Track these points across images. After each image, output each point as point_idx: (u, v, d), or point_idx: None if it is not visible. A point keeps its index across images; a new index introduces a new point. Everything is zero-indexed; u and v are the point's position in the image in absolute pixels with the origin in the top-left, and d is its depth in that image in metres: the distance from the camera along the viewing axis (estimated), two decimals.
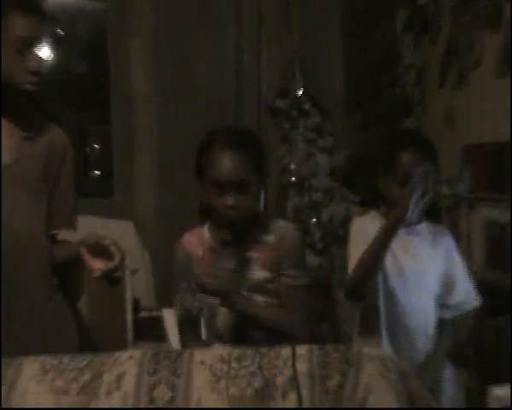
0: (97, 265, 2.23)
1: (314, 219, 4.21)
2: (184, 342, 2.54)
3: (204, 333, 2.47)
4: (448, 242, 2.78)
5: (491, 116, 3.61)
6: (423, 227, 2.78)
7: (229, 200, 2.38)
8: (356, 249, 2.88)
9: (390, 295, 2.77)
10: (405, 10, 4.52)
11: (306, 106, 4.38)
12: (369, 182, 4.53)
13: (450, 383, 2.78)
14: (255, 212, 2.52)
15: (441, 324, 2.75)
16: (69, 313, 2.52)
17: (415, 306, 2.72)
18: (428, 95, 4.40)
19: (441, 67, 4.18)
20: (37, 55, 2.35)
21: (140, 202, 4.37)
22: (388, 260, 2.78)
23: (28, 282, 2.34)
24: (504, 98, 3.52)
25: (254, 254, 2.47)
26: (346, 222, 4.19)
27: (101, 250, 2.24)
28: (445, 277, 2.74)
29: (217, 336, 2.49)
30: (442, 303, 2.75)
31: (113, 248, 2.22)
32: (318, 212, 4.22)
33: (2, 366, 1.93)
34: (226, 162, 2.39)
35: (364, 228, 2.87)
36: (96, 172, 5.81)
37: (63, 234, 2.47)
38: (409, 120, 4.53)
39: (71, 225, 2.51)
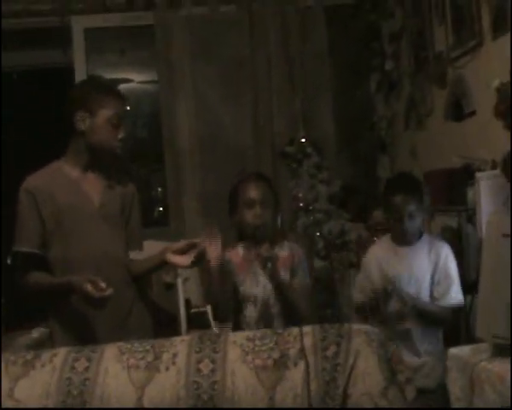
0: (183, 259, 2.31)
1: (318, 233, 4.21)
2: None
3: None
4: (442, 252, 2.74)
5: (443, 149, 3.61)
6: (421, 242, 2.78)
7: (257, 210, 2.49)
8: (360, 274, 2.90)
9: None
10: (377, 75, 4.53)
11: (308, 150, 4.38)
12: (358, 204, 4.56)
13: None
14: (274, 228, 2.58)
15: None
16: (146, 309, 2.55)
17: None
18: (397, 136, 4.40)
19: (404, 115, 4.19)
20: (123, 128, 2.42)
21: (188, 228, 4.39)
22: (385, 269, 2.78)
23: (116, 289, 2.36)
24: (452, 136, 3.52)
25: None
26: (341, 234, 4.20)
27: (187, 250, 2.31)
28: (438, 279, 2.71)
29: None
30: (432, 296, 2.72)
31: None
32: (320, 227, 4.22)
33: (91, 351, 1.96)
34: (252, 186, 2.57)
35: (372, 254, 2.91)
36: (160, 209, 5.83)
37: (133, 255, 2.51)
38: (383, 156, 4.53)
39: (139, 247, 2.55)
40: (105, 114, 2.39)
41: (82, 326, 2.38)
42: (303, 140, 4.41)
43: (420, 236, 2.79)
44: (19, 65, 5.22)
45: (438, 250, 2.75)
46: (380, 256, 2.85)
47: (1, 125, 5.09)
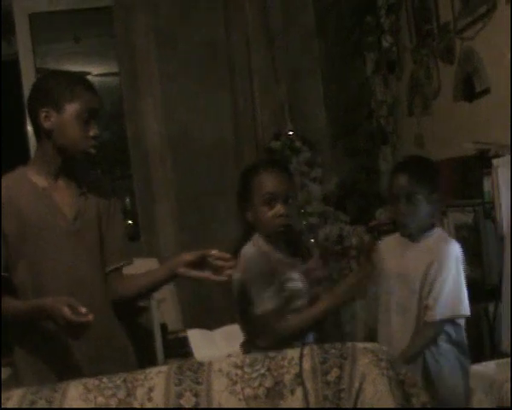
0: (206, 274, 2.26)
1: (312, 240, 4.20)
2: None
3: None
4: (448, 250, 2.65)
5: (453, 135, 3.61)
6: (427, 238, 2.69)
7: (279, 209, 2.46)
8: None
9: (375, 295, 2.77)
10: (373, 54, 4.54)
11: (297, 144, 4.38)
12: (358, 203, 4.56)
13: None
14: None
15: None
16: (127, 339, 2.53)
17: (398, 303, 2.69)
18: (399, 124, 4.41)
19: (407, 99, 4.20)
20: (95, 125, 2.40)
21: (162, 240, 4.37)
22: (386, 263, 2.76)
23: (96, 316, 2.32)
24: (463, 118, 3.53)
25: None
26: (340, 239, 4.19)
27: (202, 261, 2.27)
28: (434, 280, 2.61)
29: None
30: (425, 304, 2.61)
31: (219, 254, 2.25)
32: (315, 233, 4.22)
33: (51, 390, 1.93)
34: (275, 179, 2.52)
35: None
36: (130, 222, 5.82)
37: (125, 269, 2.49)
38: (385, 147, 4.53)
39: (127, 259, 2.53)
40: (73, 108, 2.37)
41: (53, 362, 2.35)
42: (290, 133, 4.41)
43: (427, 230, 2.70)
44: None
45: (439, 248, 2.66)
46: (384, 254, 2.82)
47: None
